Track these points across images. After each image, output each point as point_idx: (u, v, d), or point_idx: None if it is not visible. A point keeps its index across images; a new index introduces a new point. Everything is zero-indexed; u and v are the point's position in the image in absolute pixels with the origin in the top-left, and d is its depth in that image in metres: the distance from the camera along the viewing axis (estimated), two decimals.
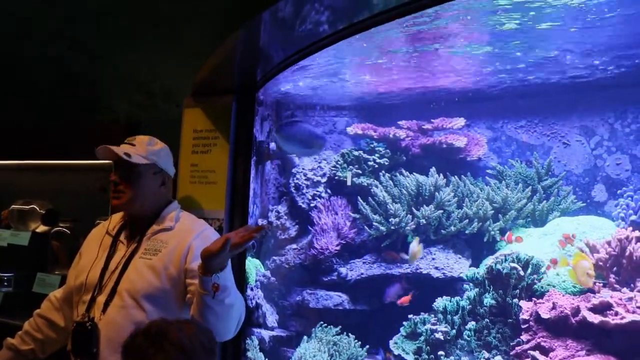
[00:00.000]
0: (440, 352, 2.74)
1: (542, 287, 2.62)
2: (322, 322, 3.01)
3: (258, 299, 2.89)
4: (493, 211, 3.07)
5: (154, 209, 1.96)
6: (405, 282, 3.01)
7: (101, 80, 3.61)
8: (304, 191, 3.37)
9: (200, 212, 2.42)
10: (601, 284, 2.49)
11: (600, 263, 2.51)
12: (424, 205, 3.13)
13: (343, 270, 3.15)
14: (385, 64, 2.75)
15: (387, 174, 3.27)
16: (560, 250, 2.75)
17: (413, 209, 3.13)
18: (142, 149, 1.93)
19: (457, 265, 3.01)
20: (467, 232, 3.07)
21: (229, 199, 2.51)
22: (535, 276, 2.66)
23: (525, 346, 2.45)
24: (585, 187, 3.09)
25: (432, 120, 3.37)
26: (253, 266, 2.86)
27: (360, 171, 3.34)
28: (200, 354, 1.33)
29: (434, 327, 2.78)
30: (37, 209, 3.59)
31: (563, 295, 2.51)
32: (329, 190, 3.38)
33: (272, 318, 3.04)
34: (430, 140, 3.35)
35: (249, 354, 2.62)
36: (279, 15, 1.88)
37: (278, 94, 3.17)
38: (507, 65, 2.72)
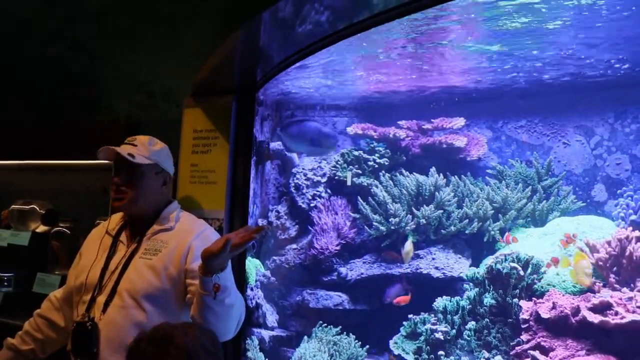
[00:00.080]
0: (440, 352, 2.73)
1: (542, 287, 2.62)
2: (322, 322, 3.00)
3: (258, 299, 2.89)
4: (493, 211, 3.07)
5: (155, 209, 1.97)
6: (405, 282, 3.01)
7: (101, 80, 3.61)
8: (304, 191, 3.36)
9: (200, 212, 2.42)
10: (601, 284, 2.49)
11: (600, 263, 2.51)
12: (424, 205, 3.12)
13: (343, 270, 3.15)
14: (385, 64, 2.75)
15: (387, 174, 3.26)
16: (561, 250, 2.75)
17: (413, 208, 3.13)
18: (145, 149, 1.93)
19: (457, 265, 3.01)
20: (467, 232, 3.07)
21: (229, 199, 2.51)
22: (535, 276, 2.66)
23: (525, 346, 2.45)
24: (585, 187, 3.09)
25: (432, 120, 3.37)
26: (253, 266, 2.86)
27: (360, 171, 3.34)
28: (205, 359, 1.33)
29: (434, 327, 2.78)
30: (37, 209, 3.59)
31: (563, 295, 2.51)
32: (329, 190, 3.38)
33: (272, 318, 3.04)
34: (430, 140, 3.35)
35: (249, 354, 2.62)
36: (279, 15, 1.88)
37: (278, 94, 3.17)
38: (507, 65, 2.72)
